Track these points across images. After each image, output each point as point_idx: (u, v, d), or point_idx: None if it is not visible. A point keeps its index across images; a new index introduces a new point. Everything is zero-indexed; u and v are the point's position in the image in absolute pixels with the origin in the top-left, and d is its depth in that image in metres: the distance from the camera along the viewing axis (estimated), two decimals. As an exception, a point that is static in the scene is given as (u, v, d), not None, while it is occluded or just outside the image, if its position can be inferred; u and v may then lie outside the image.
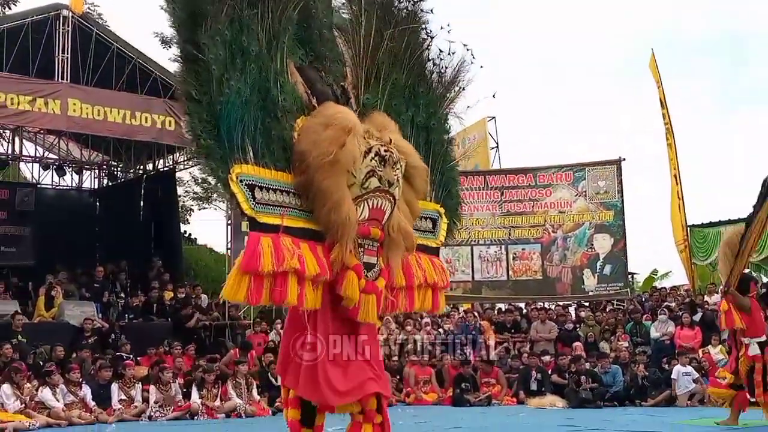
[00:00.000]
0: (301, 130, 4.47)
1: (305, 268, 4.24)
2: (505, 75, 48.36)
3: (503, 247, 20.10)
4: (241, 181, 4.19)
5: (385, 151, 4.52)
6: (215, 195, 27.73)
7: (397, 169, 4.57)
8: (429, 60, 5.26)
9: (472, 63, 5.23)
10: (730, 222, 17.24)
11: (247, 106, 4.25)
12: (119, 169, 21.31)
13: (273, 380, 13.38)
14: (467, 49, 5.19)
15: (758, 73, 56.18)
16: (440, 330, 16.85)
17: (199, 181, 27.80)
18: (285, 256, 4.17)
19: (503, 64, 51.42)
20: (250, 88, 4.28)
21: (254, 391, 12.61)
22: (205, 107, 4.18)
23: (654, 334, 15.43)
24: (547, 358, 14.95)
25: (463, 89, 5.36)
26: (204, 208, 28.21)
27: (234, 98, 4.20)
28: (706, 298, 16.84)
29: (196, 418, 11.77)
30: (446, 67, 5.28)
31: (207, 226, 34.55)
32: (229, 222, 18.03)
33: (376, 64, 4.96)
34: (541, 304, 18.62)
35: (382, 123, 4.78)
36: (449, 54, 5.21)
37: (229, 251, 18.10)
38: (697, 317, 15.73)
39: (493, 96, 5.95)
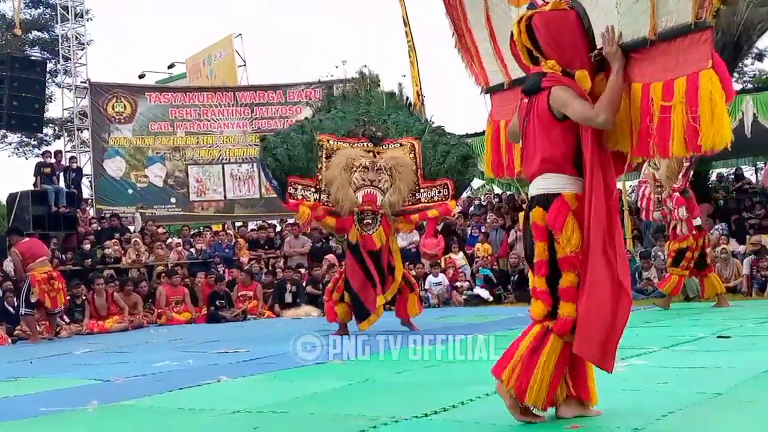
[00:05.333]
0: None
1: None
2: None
3: (255, 164, 19.86)
4: None
5: None
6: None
7: None
8: None
9: None
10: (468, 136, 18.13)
11: None
12: None
13: (10, 309, 12.38)
14: None
15: None
16: (192, 249, 16.46)
17: None
18: None
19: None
20: None
21: (-11, 321, 11.59)
22: None
23: (401, 243, 16.07)
24: (302, 271, 15.15)
25: None
26: None
27: None
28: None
29: None
30: None
31: None
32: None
33: None
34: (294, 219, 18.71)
35: None
36: None
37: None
38: (440, 226, 16.65)
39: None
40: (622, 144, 3.58)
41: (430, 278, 14.45)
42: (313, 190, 9.21)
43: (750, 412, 3.73)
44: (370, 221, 9.01)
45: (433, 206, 9.39)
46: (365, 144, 9.34)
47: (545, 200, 3.63)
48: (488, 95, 4.78)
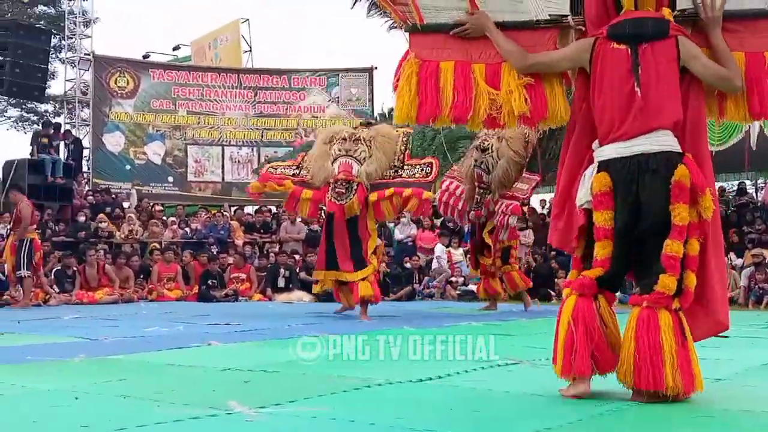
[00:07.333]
0: None
1: None
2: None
3: (255, 149, 19.75)
4: None
5: None
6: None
7: None
8: None
9: None
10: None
11: None
12: None
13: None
14: None
15: None
16: (187, 229, 16.35)
17: None
18: None
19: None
20: None
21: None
22: None
23: (398, 236, 16.01)
24: (296, 257, 15.02)
25: None
26: None
27: None
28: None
29: None
30: None
31: None
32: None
33: None
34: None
35: None
36: None
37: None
38: (438, 221, 16.57)
39: None
40: (710, 111, 3.53)
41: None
42: (294, 167, 9.22)
43: (748, 394, 3.77)
44: (343, 191, 8.72)
45: (409, 188, 8.87)
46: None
47: (678, 159, 3.30)
48: (408, 33, 3.89)
